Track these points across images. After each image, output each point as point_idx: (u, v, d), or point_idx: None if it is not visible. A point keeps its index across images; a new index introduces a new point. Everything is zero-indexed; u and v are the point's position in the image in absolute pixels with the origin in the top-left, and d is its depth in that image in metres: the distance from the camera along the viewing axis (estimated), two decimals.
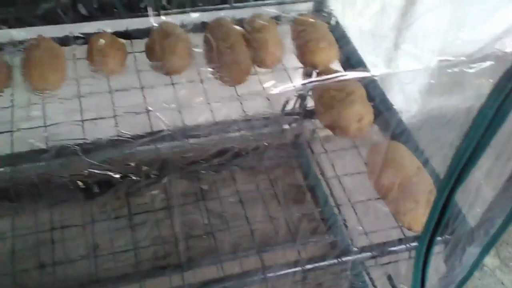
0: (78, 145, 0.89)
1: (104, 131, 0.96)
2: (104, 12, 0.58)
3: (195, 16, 0.88)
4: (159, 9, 0.69)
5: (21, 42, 0.94)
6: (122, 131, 0.90)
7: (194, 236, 1.22)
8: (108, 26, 0.94)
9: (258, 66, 1.05)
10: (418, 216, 0.83)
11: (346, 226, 1.06)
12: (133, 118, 0.96)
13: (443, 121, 0.70)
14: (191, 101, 0.98)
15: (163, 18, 0.77)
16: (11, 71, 0.99)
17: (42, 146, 0.89)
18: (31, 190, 1.05)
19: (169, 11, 0.67)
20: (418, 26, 0.92)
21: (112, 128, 0.97)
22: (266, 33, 1.05)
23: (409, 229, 0.85)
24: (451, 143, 0.49)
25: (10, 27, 0.70)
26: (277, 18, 1.08)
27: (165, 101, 0.96)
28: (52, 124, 0.91)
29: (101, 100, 1.00)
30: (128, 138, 0.89)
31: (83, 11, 0.57)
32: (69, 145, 0.88)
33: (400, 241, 0.87)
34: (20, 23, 0.57)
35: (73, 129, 0.94)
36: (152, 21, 0.87)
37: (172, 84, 1.01)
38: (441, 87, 0.80)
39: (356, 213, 0.95)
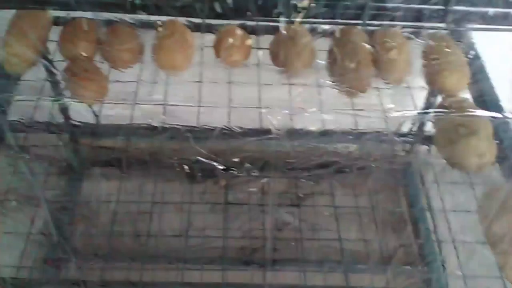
0: (191, 131, 0.94)
1: (216, 120, 1.01)
2: (237, 13, 0.61)
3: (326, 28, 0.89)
4: (292, 18, 0.70)
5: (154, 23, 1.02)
6: (233, 125, 0.94)
7: (283, 239, 1.24)
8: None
9: (381, 80, 1.03)
10: None
11: (445, 267, 1.02)
12: (246, 111, 1.00)
13: None
14: (305, 105, 0.99)
15: (293, 27, 0.79)
16: (143, 48, 1.07)
17: (160, 124, 0.95)
18: (141, 164, 1.13)
19: (302, 19, 0.68)
20: None
21: (223, 118, 1.02)
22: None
23: None
24: None
25: (149, 13, 0.77)
26: (409, 36, 1.05)
27: (279, 100, 0.99)
28: (172, 105, 0.97)
29: (219, 89, 1.05)
30: (238, 132, 0.92)
31: (218, 9, 0.61)
32: (182, 130, 0.93)
33: None
34: (159, 11, 0.62)
35: (188, 112, 1.00)
36: (282, 29, 0.89)
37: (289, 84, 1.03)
38: None
39: (457, 255, 0.91)
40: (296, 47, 1.02)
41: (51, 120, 1.13)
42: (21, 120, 1.04)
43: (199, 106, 1.04)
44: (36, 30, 1.01)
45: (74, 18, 1.04)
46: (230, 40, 1.04)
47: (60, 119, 1.22)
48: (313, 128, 0.95)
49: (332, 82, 1.00)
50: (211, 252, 1.19)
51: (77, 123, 1.15)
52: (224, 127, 0.95)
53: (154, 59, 1.03)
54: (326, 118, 0.95)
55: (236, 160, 0.99)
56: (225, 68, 1.06)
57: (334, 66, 1.02)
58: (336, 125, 0.97)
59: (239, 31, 1.05)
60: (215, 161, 0.95)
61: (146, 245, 1.20)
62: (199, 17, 0.64)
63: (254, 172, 1.01)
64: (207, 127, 0.97)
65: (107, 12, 0.72)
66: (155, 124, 0.99)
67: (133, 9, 0.61)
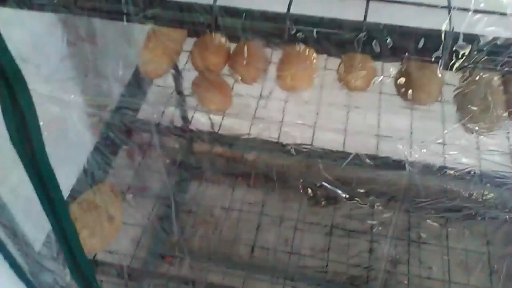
0: (321, 156, 0.94)
1: (329, 143, 1.01)
2: (394, 53, 0.61)
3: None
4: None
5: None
6: (348, 150, 0.94)
7: (394, 273, 1.21)
8: None
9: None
10: None
11: None
12: (361, 137, 0.99)
13: None
14: (424, 137, 0.96)
15: None
16: (268, 66, 1.09)
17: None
18: (266, 180, 1.16)
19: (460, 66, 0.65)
20: None
21: (338, 141, 1.01)
22: None
23: None
24: None
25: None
26: None
27: (398, 130, 0.96)
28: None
29: (337, 112, 1.04)
30: (370, 164, 0.91)
31: (376, 48, 0.61)
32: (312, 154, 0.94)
33: None
34: (318, 44, 0.64)
35: (302, 131, 1.01)
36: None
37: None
38: None
39: None
40: (421, 79, 0.99)
41: (172, 124, 1.19)
42: (145, 121, 1.11)
43: (314, 127, 1.04)
44: (172, 40, 1.07)
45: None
46: (355, 65, 1.04)
47: (180, 124, 1.29)
48: (450, 167, 0.91)
49: (459, 117, 0.96)
50: (320, 275, 1.19)
51: (196, 130, 1.21)
52: (356, 157, 0.94)
53: (276, 77, 1.06)
54: (448, 157, 0.91)
55: (361, 190, 0.98)
56: (346, 92, 1.06)
57: (463, 103, 0.98)
58: (458, 164, 0.92)
59: (364, 57, 1.04)
60: (340, 188, 0.95)
61: (257, 256, 1.23)
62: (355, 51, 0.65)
63: (378, 205, 1.00)
64: (338, 154, 0.97)
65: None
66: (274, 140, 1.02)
67: (292, 40, 0.63)
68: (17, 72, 0.52)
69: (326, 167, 0.97)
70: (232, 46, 1.09)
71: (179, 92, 1.19)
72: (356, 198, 0.98)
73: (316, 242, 1.32)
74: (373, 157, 0.95)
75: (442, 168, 0.93)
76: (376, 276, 1.16)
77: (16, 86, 0.52)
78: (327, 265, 1.20)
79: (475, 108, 0.93)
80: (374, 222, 1.13)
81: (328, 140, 1.03)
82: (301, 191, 1.12)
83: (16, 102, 0.53)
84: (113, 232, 0.95)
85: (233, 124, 1.10)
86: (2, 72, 0.51)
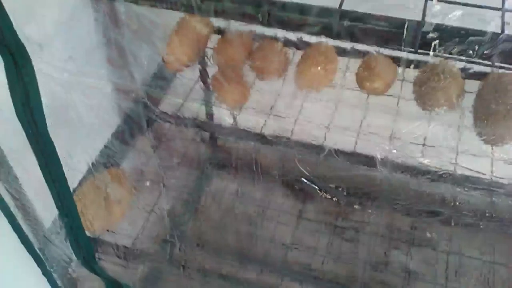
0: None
1: (342, 144, 1.01)
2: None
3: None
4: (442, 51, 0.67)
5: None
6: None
7: (380, 272, 1.19)
8: None
9: None
10: None
11: None
12: (376, 139, 0.98)
13: None
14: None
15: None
16: (288, 65, 1.10)
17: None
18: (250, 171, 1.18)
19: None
20: None
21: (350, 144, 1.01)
22: None
23: None
24: None
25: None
26: None
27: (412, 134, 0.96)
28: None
29: (354, 113, 1.04)
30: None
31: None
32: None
33: None
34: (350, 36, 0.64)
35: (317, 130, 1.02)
36: (431, 60, 0.90)
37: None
38: None
39: None
40: (442, 84, 0.98)
41: (194, 116, 1.21)
42: (166, 113, 1.13)
43: (328, 127, 1.05)
44: (197, 35, 1.09)
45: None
46: (373, 67, 1.03)
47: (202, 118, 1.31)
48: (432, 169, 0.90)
49: (475, 126, 0.94)
50: (306, 271, 1.19)
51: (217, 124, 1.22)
52: (333, 153, 0.94)
53: (295, 75, 1.06)
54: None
55: (342, 191, 0.97)
56: (365, 94, 1.05)
57: (481, 110, 0.95)
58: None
59: (384, 59, 1.04)
60: (322, 186, 0.94)
61: (247, 247, 1.24)
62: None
63: (360, 204, 0.99)
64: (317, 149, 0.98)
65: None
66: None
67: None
68: (22, 48, 0.54)
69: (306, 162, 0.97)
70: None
71: (203, 85, 1.22)
72: (334, 197, 0.98)
73: (304, 239, 1.31)
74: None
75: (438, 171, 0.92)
76: (358, 276, 1.14)
77: (20, 61, 0.54)
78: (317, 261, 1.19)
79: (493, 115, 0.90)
80: (360, 221, 1.12)
81: (343, 140, 1.03)
82: (285, 185, 1.13)
83: (21, 78, 0.56)
84: (119, 215, 0.97)
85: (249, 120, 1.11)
86: (9, 49, 0.54)
